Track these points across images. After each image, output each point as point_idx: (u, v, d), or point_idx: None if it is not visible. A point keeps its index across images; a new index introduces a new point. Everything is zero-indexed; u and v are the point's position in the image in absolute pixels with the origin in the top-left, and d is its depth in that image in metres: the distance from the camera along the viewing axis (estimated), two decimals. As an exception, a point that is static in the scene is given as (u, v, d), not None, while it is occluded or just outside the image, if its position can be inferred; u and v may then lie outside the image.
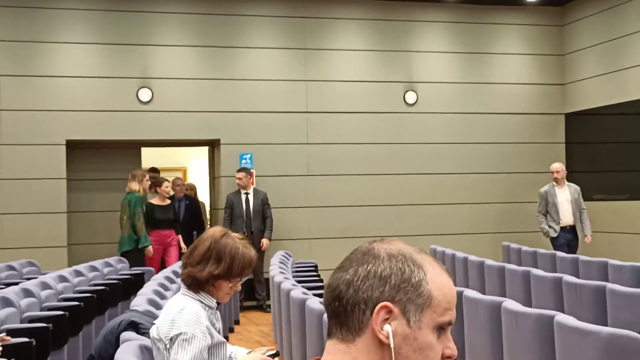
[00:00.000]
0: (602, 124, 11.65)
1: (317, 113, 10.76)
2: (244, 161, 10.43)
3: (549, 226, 9.59)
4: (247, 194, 10.13)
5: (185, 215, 10.31)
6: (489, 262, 7.63)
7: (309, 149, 10.73)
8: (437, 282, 1.18)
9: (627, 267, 6.77)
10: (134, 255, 9.18)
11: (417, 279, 1.16)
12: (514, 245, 9.48)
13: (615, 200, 10.76)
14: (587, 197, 10.24)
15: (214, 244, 2.84)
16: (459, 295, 4.57)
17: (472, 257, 8.12)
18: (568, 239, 9.44)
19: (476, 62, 11.43)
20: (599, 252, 9.53)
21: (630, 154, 10.87)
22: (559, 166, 9.65)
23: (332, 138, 10.81)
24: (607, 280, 6.67)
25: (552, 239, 9.61)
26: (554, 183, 9.63)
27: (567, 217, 9.51)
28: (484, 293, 7.04)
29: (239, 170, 10.09)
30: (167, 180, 10.11)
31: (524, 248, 9.12)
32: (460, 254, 8.54)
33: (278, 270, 6.80)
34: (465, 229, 11.24)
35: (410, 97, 11.12)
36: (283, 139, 10.62)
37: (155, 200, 9.78)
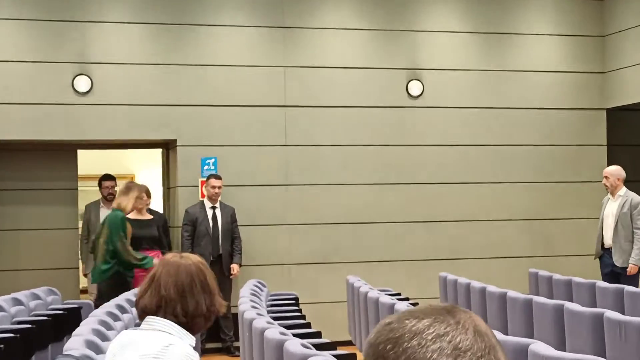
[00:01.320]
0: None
1: (298, 107, 10.77)
2: (206, 167, 10.42)
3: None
4: (214, 208, 10.16)
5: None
6: (512, 293, 7.62)
7: (287, 152, 10.73)
8: None
9: (683, 301, 6.82)
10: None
11: None
12: (543, 273, 9.47)
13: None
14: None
15: (197, 272, 3.14)
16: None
17: (491, 288, 8.12)
18: (611, 263, 9.47)
19: (495, 44, 11.48)
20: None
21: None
22: (608, 171, 9.65)
23: (317, 139, 10.83)
24: (658, 317, 6.71)
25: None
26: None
27: (607, 235, 9.54)
28: (506, 333, 7.14)
29: (217, 177, 10.11)
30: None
31: (556, 276, 9.09)
32: (476, 284, 8.52)
33: (249, 304, 6.78)
34: (483, 252, 11.27)
35: (415, 87, 11.14)
36: (255, 139, 10.63)
37: (132, 215, 9.63)
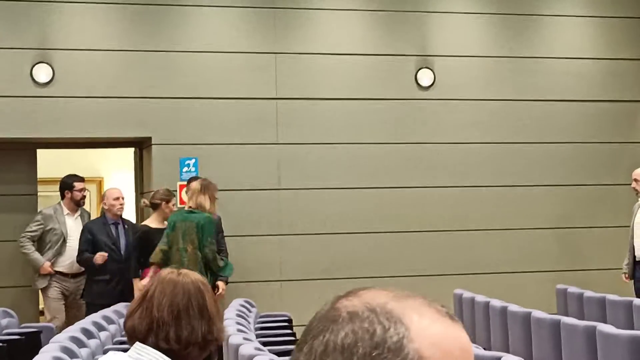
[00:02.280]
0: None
1: (291, 100, 10.79)
2: (185, 169, 10.44)
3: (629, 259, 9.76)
4: (196, 215, 10.12)
5: (127, 244, 9.89)
6: (537, 313, 7.61)
7: (279, 151, 10.75)
8: (429, 334, 1.17)
9: None
10: None
11: (395, 338, 1.15)
12: (572, 290, 9.49)
13: None
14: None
15: (195, 293, 3.16)
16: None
17: (513, 307, 8.10)
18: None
19: (518, 27, 11.50)
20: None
21: None
22: (639, 172, 9.77)
23: (314, 136, 10.85)
24: None
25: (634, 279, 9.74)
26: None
27: (638, 245, 9.66)
28: (530, 359, 7.15)
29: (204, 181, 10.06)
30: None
31: (588, 293, 9.11)
32: (496, 303, 8.54)
33: (235, 327, 6.79)
34: (504, 266, 11.26)
35: (425, 77, 11.17)
36: (242, 137, 10.64)
37: (153, 223, 9.49)
